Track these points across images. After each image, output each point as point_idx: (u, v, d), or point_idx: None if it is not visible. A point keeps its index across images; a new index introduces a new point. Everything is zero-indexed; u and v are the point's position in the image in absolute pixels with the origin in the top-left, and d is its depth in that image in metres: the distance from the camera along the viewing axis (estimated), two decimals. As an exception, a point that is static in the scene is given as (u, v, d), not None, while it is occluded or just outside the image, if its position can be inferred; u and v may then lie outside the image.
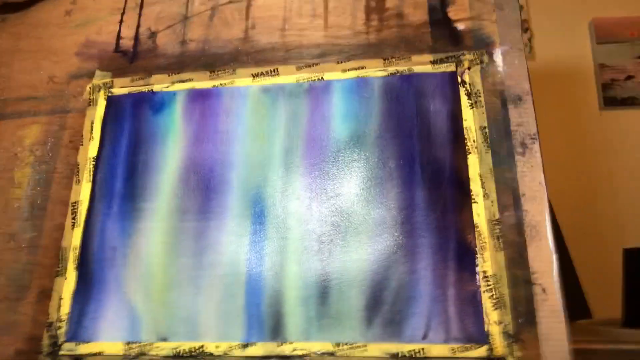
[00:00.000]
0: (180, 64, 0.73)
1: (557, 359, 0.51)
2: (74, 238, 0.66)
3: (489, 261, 0.56)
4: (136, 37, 0.77)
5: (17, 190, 0.71)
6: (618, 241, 1.23)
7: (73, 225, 0.67)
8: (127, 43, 0.77)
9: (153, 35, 0.76)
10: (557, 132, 1.56)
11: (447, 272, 0.57)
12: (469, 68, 0.65)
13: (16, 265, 0.67)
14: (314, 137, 0.65)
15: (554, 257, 0.55)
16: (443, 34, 0.67)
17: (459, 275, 0.57)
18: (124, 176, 0.68)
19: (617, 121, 1.60)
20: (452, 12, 0.68)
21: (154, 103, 0.71)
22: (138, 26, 0.77)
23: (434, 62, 0.66)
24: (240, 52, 0.72)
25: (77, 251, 0.65)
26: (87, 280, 0.64)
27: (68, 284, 0.64)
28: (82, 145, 0.71)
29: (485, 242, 0.57)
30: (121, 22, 0.78)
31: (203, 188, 0.66)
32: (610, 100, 1.63)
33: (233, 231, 0.63)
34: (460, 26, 0.67)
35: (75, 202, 0.68)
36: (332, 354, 0.56)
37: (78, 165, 0.70)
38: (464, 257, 0.58)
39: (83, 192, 0.68)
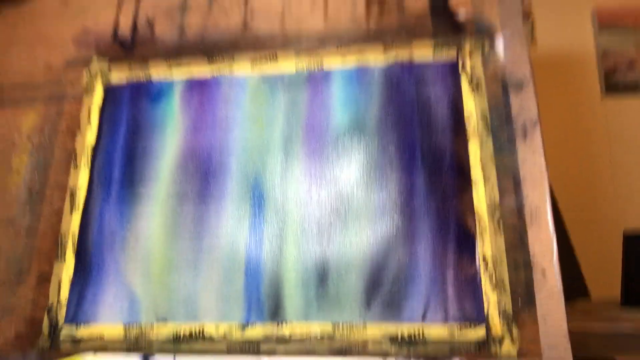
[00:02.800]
0: (178, 52, 0.73)
1: (554, 339, 0.51)
2: (73, 223, 0.66)
3: (488, 244, 0.56)
4: (134, 26, 0.76)
5: (15, 176, 0.71)
6: (618, 225, 1.23)
7: (71, 210, 0.67)
8: (124, 32, 0.76)
9: (151, 23, 0.76)
10: (559, 118, 1.55)
11: (447, 254, 0.57)
12: (470, 54, 0.64)
13: (15, 250, 0.67)
14: (314, 124, 0.65)
15: (554, 240, 0.55)
16: (444, 22, 0.67)
17: (458, 258, 0.57)
18: (122, 163, 0.68)
19: (618, 108, 1.60)
20: (453, 1, 0.68)
21: (152, 92, 0.71)
22: (136, 15, 0.77)
23: (435, 47, 0.66)
24: (238, 40, 0.71)
25: (76, 236, 0.65)
26: (86, 264, 0.64)
27: (67, 269, 0.64)
28: (79, 131, 0.71)
29: (485, 226, 0.57)
30: (119, 10, 0.78)
31: (201, 173, 0.66)
32: (613, 86, 1.62)
33: (232, 215, 0.63)
34: (461, 15, 0.67)
35: (73, 187, 0.68)
36: (331, 334, 0.56)
37: (75, 151, 0.70)
38: (464, 240, 0.58)
39: (81, 178, 0.68)
